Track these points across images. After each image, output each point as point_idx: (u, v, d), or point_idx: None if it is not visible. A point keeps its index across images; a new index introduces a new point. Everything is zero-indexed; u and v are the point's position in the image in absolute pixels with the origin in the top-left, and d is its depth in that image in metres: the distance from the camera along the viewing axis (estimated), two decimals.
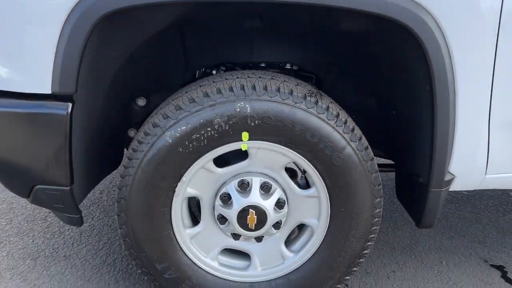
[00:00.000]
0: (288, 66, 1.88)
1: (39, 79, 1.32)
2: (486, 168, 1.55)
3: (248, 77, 1.47)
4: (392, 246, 2.26)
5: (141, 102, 1.93)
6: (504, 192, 2.90)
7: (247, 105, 1.39)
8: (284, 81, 1.47)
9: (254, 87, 1.41)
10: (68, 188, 1.46)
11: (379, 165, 2.09)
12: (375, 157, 1.91)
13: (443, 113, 1.41)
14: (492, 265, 2.13)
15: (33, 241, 2.18)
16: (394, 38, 1.47)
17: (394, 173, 1.91)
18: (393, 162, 1.99)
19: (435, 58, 1.34)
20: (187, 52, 1.78)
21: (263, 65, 1.86)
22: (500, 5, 1.29)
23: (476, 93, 1.41)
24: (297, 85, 1.48)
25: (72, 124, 1.38)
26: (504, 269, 2.11)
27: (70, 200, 1.49)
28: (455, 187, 1.60)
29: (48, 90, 1.33)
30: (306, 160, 1.48)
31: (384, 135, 1.90)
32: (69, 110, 1.36)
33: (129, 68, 1.65)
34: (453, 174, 1.54)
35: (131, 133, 1.98)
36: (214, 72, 1.88)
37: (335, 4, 1.28)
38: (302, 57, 1.82)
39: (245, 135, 1.43)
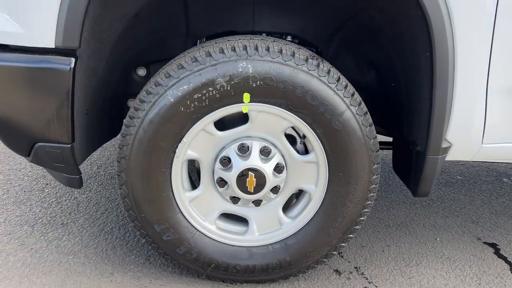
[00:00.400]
0: (289, 38, 1.89)
1: (43, 32, 1.33)
2: (483, 137, 1.57)
3: (251, 39, 1.48)
4: (387, 223, 2.29)
5: (141, 72, 1.94)
6: (498, 178, 2.94)
7: (249, 65, 1.40)
8: (287, 44, 1.49)
9: (256, 48, 1.42)
10: (69, 145, 1.46)
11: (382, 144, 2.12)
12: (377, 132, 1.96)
13: (442, 80, 1.43)
14: (485, 243, 2.17)
15: (30, 209, 2.18)
16: (396, 4, 1.48)
17: (390, 152, 1.94)
18: (389, 140, 2.01)
19: (435, 23, 1.36)
20: (189, 19, 1.79)
21: (264, 35, 1.87)
22: None
23: (475, 60, 1.43)
24: (299, 48, 1.49)
25: (74, 80, 1.39)
26: (497, 246, 2.14)
27: (71, 159, 1.49)
28: (452, 156, 1.62)
29: (51, 44, 1.34)
30: (306, 124, 1.50)
31: (382, 108, 1.92)
32: (72, 65, 1.37)
33: (132, 32, 1.65)
34: (450, 142, 1.57)
35: (130, 103, 1.99)
36: None
37: None
38: (303, 28, 1.83)
39: (246, 96, 1.44)
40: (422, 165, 1.57)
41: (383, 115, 1.93)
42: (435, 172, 1.58)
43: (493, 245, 2.15)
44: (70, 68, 1.36)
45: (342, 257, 1.96)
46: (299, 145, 1.62)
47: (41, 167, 2.57)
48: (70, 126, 1.43)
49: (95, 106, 1.62)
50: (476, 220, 2.38)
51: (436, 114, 1.48)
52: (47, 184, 2.42)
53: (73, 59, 1.37)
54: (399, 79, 1.72)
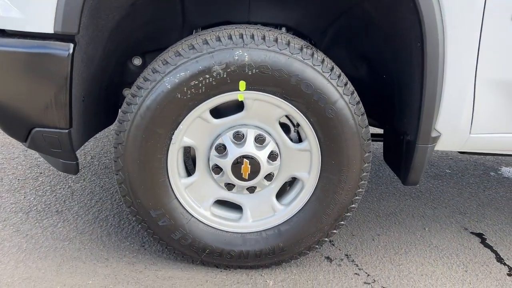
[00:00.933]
0: (283, 29, 1.92)
1: (42, 17, 1.34)
2: (471, 127, 1.62)
3: (247, 27, 1.51)
4: (377, 213, 2.34)
5: (137, 61, 1.96)
6: (485, 172, 3.00)
7: (245, 53, 1.43)
8: (282, 33, 1.52)
9: (252, 36, 1.45)
10: (67, 131, 1.48)
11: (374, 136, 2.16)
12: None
13: (432, 71, 1.48)
14: (472, 233, 2.22)
15: (24, 197, 2.19)
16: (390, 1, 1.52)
17: (380, 145, 1.98)
18: (380, 132, 2.05)
19: (427, 14, 1.40)
20: (186, 10, 1.81)
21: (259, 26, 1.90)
22: None
23: (464, 52, 1.48)
24: (294, 38, 1.52)
25: (73, 66, 1.40)
26: (483, 236, 2.20)
27: (68, 144, 1.51)
28: (441, 145, 1.66)
29: (50, 30, 1.35)
30: (300, 112, 1.53)
31: (374, 100, 1.96)
32: (71, 51, 1.38)
33: (129, 21, 1.67)
34: (439, 132, 1.61)
35: (126, 92, 2.01)
36: None
37: None
38: (298, 20, 1.86)
39: (242, 84, 1.47)
40: (412, 154, 1.62)
41: (375, 107, 1.97)
42: (424, 161, 1.62)
43: (479, 235, 2.21)
44: (69, 54, 1.38)
45: (333, 245, 2.00)
46: (293, 134, 1.65)
47: (34, 157, 2.58)
48: (68, 111, 1.45)
49: (92, 93, 1.64)
50: (464, 211, 2.44)
51: (426, 104, 1.53)
52: (41, 173, 2.43)
53: (71, 45, 1.38)
54: (390, 71, 1.76)
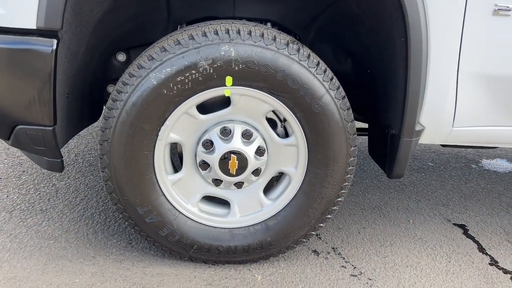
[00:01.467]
0: (268, 25, 1.92)
1: (24, 13, 1.32)
2: (453, 120, 1.65)
3: (233, 23, 1.51)
4: (363, 207, 2.37)
5: (121, 57, 1.94)
6: (467, 164, 3.07)
7: (231, 49, 1.43)
8: (267, 28, 1.52)
9: (238, 32, 1.45)
10: (51, 128, 1.46)
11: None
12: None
13: (415, 65, 1.50)
14: (454, 224, 2.27)
15: (7, 196, 2.15)
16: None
17: (365, 139, 2.01)
18: (365, 126, 2.08)
19: (410, 9, 1.42)
20: (170, 5, 1.79)
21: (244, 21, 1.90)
22: None
23: (446, 46, 1.51)
24: (280, 33, 1.53)
25: (56, 62, 1.38)
26: (466, 227, 2.25)
27: (52, 142, 1.49)
28: (425, 138, 1.70)
29: (33, 25, 1.33)
30: (286, 108, 1.54)
31: (358, 95, 1.98)
32: (54, 47, 1.36)
33: (112, 16, 1.65)
34: (423, 125, 1.64)
35: (110, 89, 1.99)
36: None
37: None
38: (283, 15, 1.87)
39: (228, 79, 1.47)
40: (397, 147, 1.64)
41: (360, 101, 1.99)
42: (408, 154, 1.65)
43: (462, 226, 2.26)
44: (52, 49, 1.36)
45: (320, 238, 2.02)
46: (279, 129, 1.66)
47: (17, 155, 2.54)
48: (52, 108, 1.43)
49: (76, 89, 1.62)
50: (447, 203, 2.49)
51: (410, 98, 1.55)
52: (24, 171, 2.39)
53: (55, 41, 1.36)
54: (375, 65, 1.78)
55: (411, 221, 2.26)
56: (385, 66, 1.69)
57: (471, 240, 2.13)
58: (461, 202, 2.52)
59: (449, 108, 1.62)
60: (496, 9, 1.46)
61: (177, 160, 1.76)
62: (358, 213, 2.30)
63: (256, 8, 1.85)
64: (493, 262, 1.96)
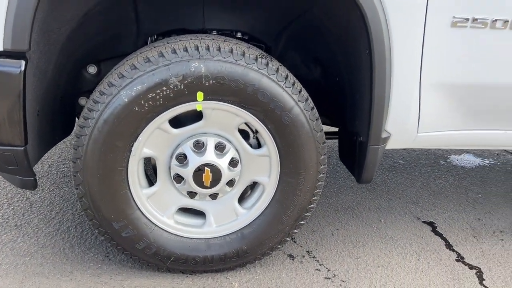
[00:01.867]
0: (239, 35, 1.96)
1: None
2: (418, 127, 1.73)
3: (202, 39, 1.53)
4: (336, 208, 2.44)
5: (92, 69, 1.94)
6: (436, 161, 3.18)
7: (201, 65, 1.46)
8: (237, 43, 1.55)
9: (208, 48, 1.48)
10: (22, 148, 1.46)
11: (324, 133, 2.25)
12: (324, 123, 2.08)
13: (380, 76, 1.56)
14: (424, 222, 2.37)
15: None
16: (337, 6, 1.59)
17: (337, 140, 2.07)
18: (336, 130, 2.14)
19: (373, 24, 1.48)
20: (139, 18, 1.80)
21: (214, 32, 1.93)
22: None
23: (409, 58, 1.57)
24: (249, 47, 1.56)
25: (25, 83, 1.38)
26: (434, 225, 2.35)
27: (24, 161, 1.49)
28: (391, 144, 1.76)
29: None
30: (257, 120, 1.58)
31: (328, 101, 2.04)
32: (23, 68, 1.36)
33: (81, 32, 1.65)
34: (389, 132, 1.71)
35: (82, 101, 1.98)
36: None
37: None
38: (253, 25, 1.90)
39: (200, 95, 1.50)
40: (365, 154, 1.71)
41: (329, 108, 2.05)
42: (376, 160, 1.72)
43: (430, 224, 2.36)
44: (21, 71, 1.36)
45: (295, 242, 2.08)
46: (252, 140, 1.70)
47: None
48: (22, 128, 1.43)
49: (46, 106, 1.62)
50: (416, 201, 2.59)
51: (376, 108, 1.61)
52: None
53: (23, 62, 1.36)
54: (342, 75, 1.83)
55: (382, 221, 2.35)
56: (352, 76, 1.75)
57: (439, 237, 2.23)
58: (430, 200, 2.62)
59: (413, 116, 1.69)
60: (454, 21, 1.52)
61: (152, 172, 1.78)
62: (331, 215, 2.37)
63: (226, 20, 1.88)
64: (460, 258, 2.06)
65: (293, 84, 1.57)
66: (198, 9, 1.83)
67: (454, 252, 2.11)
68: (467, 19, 1.52)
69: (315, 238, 2.13)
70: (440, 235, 2.26)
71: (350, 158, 1.89)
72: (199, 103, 1.52)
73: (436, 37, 1.55)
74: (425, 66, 1.59)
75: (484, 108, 1.73)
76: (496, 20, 1.54)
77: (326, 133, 2.22)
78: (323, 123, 2.21)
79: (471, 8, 1.51)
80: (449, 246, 2.16)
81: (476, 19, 1.52)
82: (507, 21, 1.55)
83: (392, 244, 2.13)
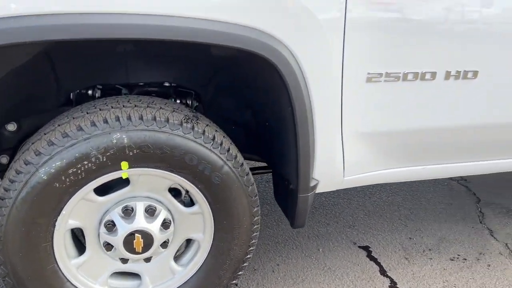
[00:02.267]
0: (166, 83, 1.93)
1: None
2: (344, 171, 1.80)
3: (123, 106, 1.50)
4: (276, 240, 2.48)
5: (11, 127, 1.84)
6: None
7: (123, 136, 1.43)
8: (161, 108, 1.53)
9: (129, 118, 1.45)
10: None
11: (259, 168, 2.29)
12: (258, 160, 2.11)
13: (303, 130, 1.61)
14: (359, 246, 2.47)
15: None
16: (260, 67, 1.61)
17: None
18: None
19: (293, 85, 1.52)
20: (59, 76, 1.73)
21: (141, 83, 1.89)
22: (342, 44, 1.50)
23: (329, 110, 1.63)
24: (174, 111, 1.55)
25: None
26: (369, 249, 2.46)
27: None
28: (320, 189, 1.83)
29: None
30: (187, 182, 1.57)
31: (261, 144, 2.07)
32: None
33: None
34: (317, 180, 1.77)
35: (3, 159, 1.88)
36: (90, 92, 1.85)
37: (197, 40, 1.37)
38: (178, 77, 1.88)
39: (124, 164, 1.47)
40: (296, 203, 1.75)
41: (262, 150, 2.08)
42: (307, 207, 1.77)
43: (366, 248, 2.47)
44: None
45: (236, 285, 2.10)
46: (184, 197, 1.69)
47: None
48: None
49: None
50: (352, 224, 2.69)
51: (302, 160, 1.66)
52: None
53: None
54: (271, 123, 1.87)
55: (321, 250, 2.42)
56: (279, 126, 1.78)
57: (374, 262, 2.34)
58: (365, 220, 2.74)
59: (338, 163, 1.76)
60: (369, 76, 1.60)
61: (81, 235, 1.72)
62: (272, 248, 2.41)
63: (150, 73, 1.85)
64: (393, 284, 2.18)
65: (221, 144, 1.58)
66: (120, 64, 1.79)
67: (388, 278, 2.22)
68: (381, 74, 1.60)
69: (256, 278, 2.17)
70: (375, 260, 2.36)
71: (283, 202, 1.93)
72: (125, 171, 1.49)
73: (354, 91, 1.62)
74: (345, 118, 1.66)
75: (402, 149, 1.84)
76: (407, 73, 1.63)
77: (262, 168, 2.27)
78: (257, 160, 2.26)
79: (384, 64, 1.59)
80: (383, 271, 2.27)
81: (389, 74, 1.61)
82: (418, 73, 1.65)
83: (330, 275, 2.21)
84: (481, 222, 2.81)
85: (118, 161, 1.45)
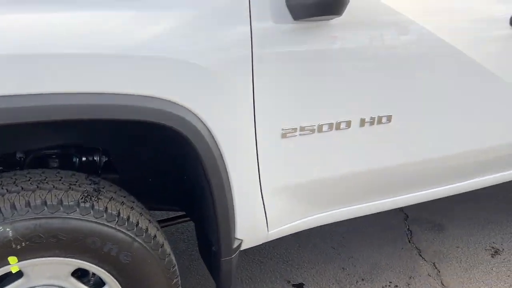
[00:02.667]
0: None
1: None
2: (267, 226, 1.73)
3: (7, 191, 1.30)
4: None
5: None
6: None
7: (7, 229, 1.24)
8: (53, 187, 1.35)
9: (14, 207, 1.26)
10: None
11: (181, 216, 2.14)
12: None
13: (220, 195, 1.51)
14: (294, 285, 2.42)
15: None
16: (169, 134, 1.49)
17: None
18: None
19: (204, 152, 1.41)
20: None
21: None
22: (253, 104, 1.42)
23: (246, 171, 1.55)
24: (70, 188, 1.37)
25: None
26: (304, 286, 2.41)
27: None
28: (244, 247, 1.74)
29: None
30: (92, 264, 1.41)
31: (181, 196, 1.94)
32: None
33: None
34: (240, 239, 1.67)
35: None
36: None
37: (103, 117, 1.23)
38: (79, 140, 1.71)
39: (12, 259, 1.28)
40: (219, 266, 1.65)
41: (182, 204, 1.95)
42: (231, 269, 1.67)
43: (300, 286, 2.41)
44: None
45: None
46: (92, 278, 1.52)
47: None
48: None
49: None
50: (286, 259, 2.63)
51: (222, 224, 1.56)
52: None
53: None
54: (192, 182, 1.74)
55: None
56: (198, 187, 1.67)
57: None
58: (299, 253, 2.69)
59: (260, 219, 1.68)
60: (283, 132, 1.53)
61: None
62: None
63: (48, 139, 1.65)
64: None
65: (128, 219, 1.43)
66: (13, 134, 1.57)
67: None
68: (295, 129, 1.54)
69: None
70: None
71: (207, 261, 1.82)
72: (15, 265, 1.30)
73: (269, 148, 1.55)
74: (263, 175, 1.59)
75: (325, 196, 1.81)
76: (322, 125, 1.59)
77: (183, 215, 2.13)
78: (179, 210, 2.12)
79: (298, 119, 1.54)
80: None
81: (304, 127, 1.55)
82: (332, 123, 1.61)
83: None
84: (409, 241, 2.87)
85: (3, 257, 1.26)
